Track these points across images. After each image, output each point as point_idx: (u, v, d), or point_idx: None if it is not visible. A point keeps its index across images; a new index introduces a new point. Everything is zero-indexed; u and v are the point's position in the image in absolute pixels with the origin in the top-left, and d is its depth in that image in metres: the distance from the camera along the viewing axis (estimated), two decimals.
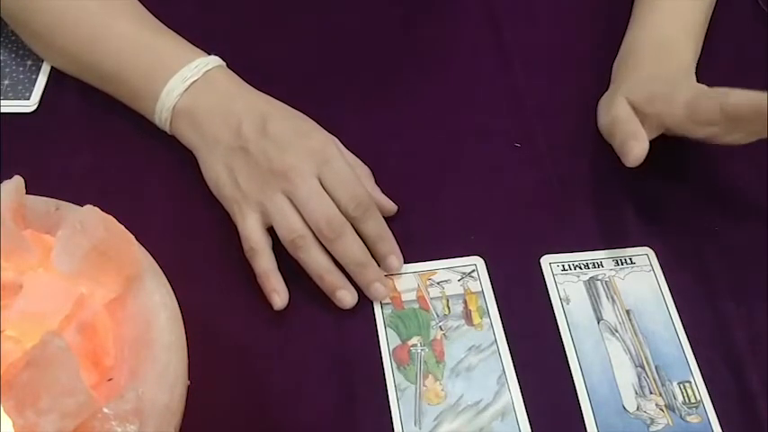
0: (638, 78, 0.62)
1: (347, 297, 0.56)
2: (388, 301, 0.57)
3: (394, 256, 0.57)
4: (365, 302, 0.56)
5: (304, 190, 0.55)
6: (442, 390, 0.53)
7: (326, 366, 0.54)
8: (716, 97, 0.55)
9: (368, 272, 0.56)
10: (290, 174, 0.55)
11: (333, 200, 0.55)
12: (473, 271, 0.58)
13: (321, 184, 0.56)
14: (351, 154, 0.60)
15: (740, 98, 0.53)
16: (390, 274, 0.57)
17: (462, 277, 0.58)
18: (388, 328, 0.56)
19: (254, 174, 0.56)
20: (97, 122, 0.64)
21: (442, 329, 0.56)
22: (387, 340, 0.55)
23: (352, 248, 0.55)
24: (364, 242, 0.56)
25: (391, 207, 0.60)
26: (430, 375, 0.54)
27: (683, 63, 0.64)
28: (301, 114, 0.60)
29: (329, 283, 0.56)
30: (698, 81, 0.63)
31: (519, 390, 0.53)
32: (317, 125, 0.59)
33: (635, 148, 0.56)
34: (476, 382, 0.54)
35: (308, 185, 0.55)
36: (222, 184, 0.58)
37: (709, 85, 0.65)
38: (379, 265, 0.57)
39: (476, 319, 0.56)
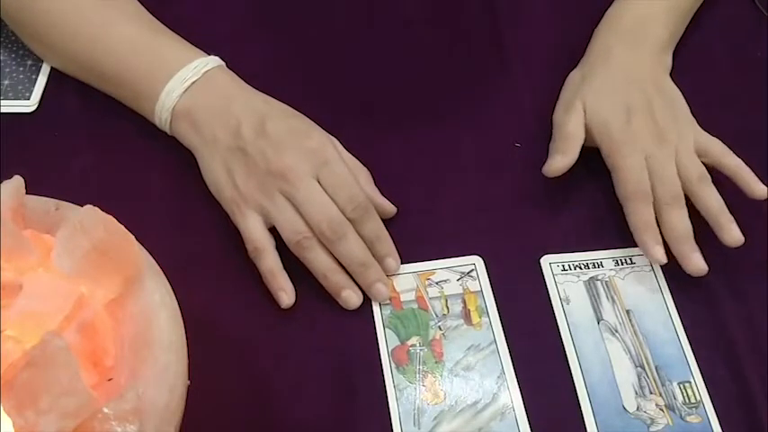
0: (602, 81, 0.63)
1: (353, 297, 0.56)
2: (387, 301, 0.57)
3: (391, 258, 0.57)
4: (364, 303, 0.56)
5: (303, 191, 0.55)
6: (441, 390, 0.53)
7: (326, 367, 0.54)
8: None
9: (370, 272, 0.56)
10: (288, 175, 0.55)
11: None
12: (472, 270, 0.58)
13: (319, 185, 0.56)
14: (349, 155, 0.60)
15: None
16: (389, 275, 0.57)
17: (461, 277, 0.58)
18: (386, 329, 0.56)
19: (252, 175, 0.56)
20: (97, 122, 0.64)
21: (440, 329, 0.56)
22: (386, 340, 0.55)
23: (353, 249, 0.55)
24: None
25: (390, 209, 0.60)
26: (429, 375, 0.54)
27: (658, 43, 0.65)
28: (300, 115, 0.60)
29: (334, 284, 0.56)
30: (697, 81, 0.63)
31: (518, 390, 0.53)
32: (316, 125, 0.59)
33: (554, 163, 0.60)
34: (475, 382, 0.54)
35: (306, 186, 0.55)
36: (221, 185, 0.58)
37: (709, 85, 0.65)
38: None
39: (474, 319, 0.56)
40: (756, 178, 0.59)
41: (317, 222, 0.55)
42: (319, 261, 0.55)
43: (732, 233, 0.57)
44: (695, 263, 0.57)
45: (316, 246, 0.55)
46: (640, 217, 0.58)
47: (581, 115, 0.62)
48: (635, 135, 0.60)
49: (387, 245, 0.57)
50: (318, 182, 0.56)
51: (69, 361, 0.36)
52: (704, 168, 0.59)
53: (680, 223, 0.57)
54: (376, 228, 0.57)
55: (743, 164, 0.59)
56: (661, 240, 0.57)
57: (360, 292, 0.56)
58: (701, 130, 0.61)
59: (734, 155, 0.60)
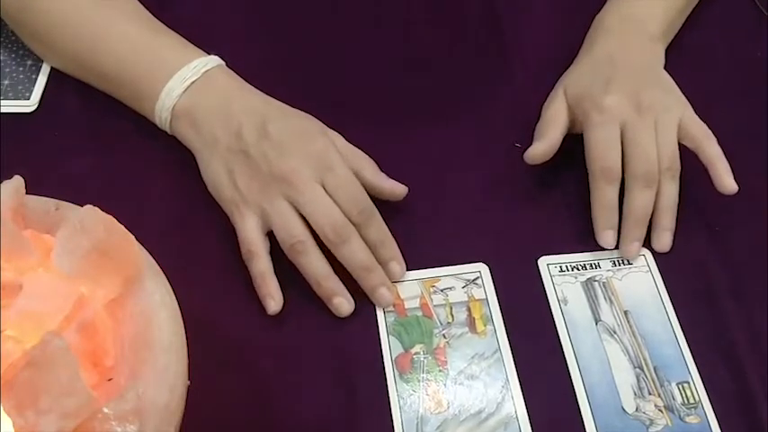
0: (584, 64, 0.64)
1: (344, 305, 0.55)
2: (391, 308, 0.56)
3: (395, 262, 0.57)
4: (368, 309, 0.56)
5: (307, 195, 0.55)
6: (445, 398, 0.53)
7: (328, 373, 0.54)
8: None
9: (373, 276, 0.56)
10: (291, 178, 0.55)
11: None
12: (477, 278, 0.58)
13: (323, 189, 0.55)
14: (351, 146, 0.59)
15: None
16: (393, 281, 0.57)
17: (466, 284, 0.58)
18: (390, 336, 0.55)
19: (254, 177, 0.56)
20: (97, 122, 0.64)
21: (445, 337, 0.55)
22: (389, 348, 0.55)
23: (357, 253, 0.55)
24: None
25: (401, 190, 0.59)
26: (432, 384, 0.53)
27: (645, 34, 0.65)
28: (301, 113, 0.60)
29: (326, 290, 0.55)
30: (697, 81, 0.63)
31: (522, 398, 0.52)
32: (316, 122, 0.59)
33: (532, 149, 0.60)
34: (478, 391, 0.53)
35: (311, 191, 0.55)
36: (221, 185, 0.58)
37: (709, 84, 0.65)
38: None
39: (479, 327, 0.56)
40: (730, 172, 0.58)
41: (320, 226, 0.54)
42: (313, 266, 0.55)
43: (662, 240, 0.58)
44: (629, 250, 0.58)
45: (310, 251, 0.55)
46: (598, 198, 0.58)
47: (562, 99, 0.62)
48: (611, 104, 0.59)
49: (391, 249, 0.57)
50: (322, 186, 0.55)
51: (69, 361, 0.36)
52: (677, 159, 0.58)
53: (640, 204, 0.57)
54: (380, 232, 0.56)
55: (722, 155, 0.58)
56: (615, 224, 0.58)
57: (352, 300, 0.56)
58: (693, 114, 0.60)
59: (716, 144, 0.58)
